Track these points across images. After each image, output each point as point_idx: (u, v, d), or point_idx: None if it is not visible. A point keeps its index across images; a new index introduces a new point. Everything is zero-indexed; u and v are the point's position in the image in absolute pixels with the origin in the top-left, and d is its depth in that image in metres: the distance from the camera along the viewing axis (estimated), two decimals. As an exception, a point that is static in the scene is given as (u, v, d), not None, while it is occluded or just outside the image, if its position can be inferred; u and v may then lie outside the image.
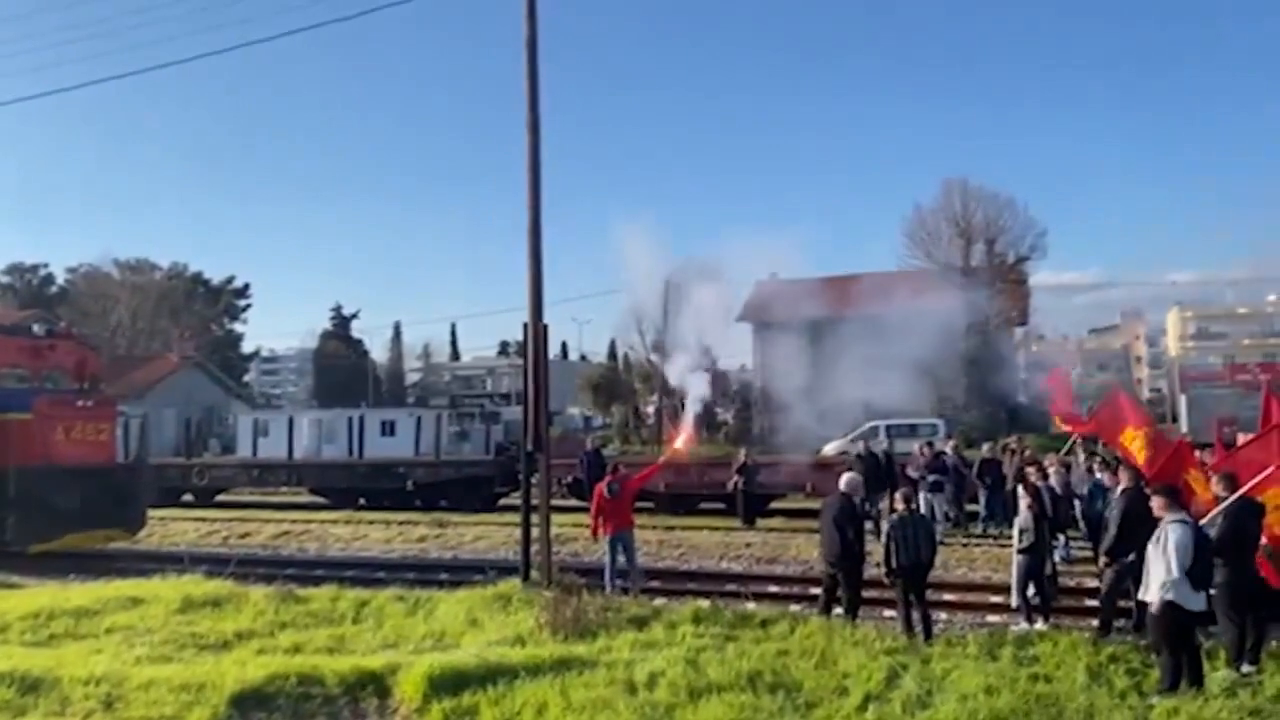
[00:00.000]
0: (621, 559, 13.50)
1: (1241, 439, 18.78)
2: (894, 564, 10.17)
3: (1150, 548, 8.03)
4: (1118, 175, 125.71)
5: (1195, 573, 7.67)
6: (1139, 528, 8.61)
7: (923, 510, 14.97)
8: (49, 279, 71.07)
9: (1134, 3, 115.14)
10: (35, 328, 20.28)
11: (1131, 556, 9.56)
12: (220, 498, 31.26)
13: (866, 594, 11.22)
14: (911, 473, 19.11)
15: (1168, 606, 7.77)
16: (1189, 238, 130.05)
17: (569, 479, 23.92)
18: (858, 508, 11.55)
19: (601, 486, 13.69)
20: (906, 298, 40.23)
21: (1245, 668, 8.42)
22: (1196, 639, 8.09)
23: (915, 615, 10.30)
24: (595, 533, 13.76)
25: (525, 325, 13.55)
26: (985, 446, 20.21)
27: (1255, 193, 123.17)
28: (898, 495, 10.99)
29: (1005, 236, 43.04)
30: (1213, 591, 8.22)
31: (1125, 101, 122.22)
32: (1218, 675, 8.12)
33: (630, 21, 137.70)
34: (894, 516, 10.67)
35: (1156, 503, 8.21)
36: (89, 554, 17.71)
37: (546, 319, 13.65)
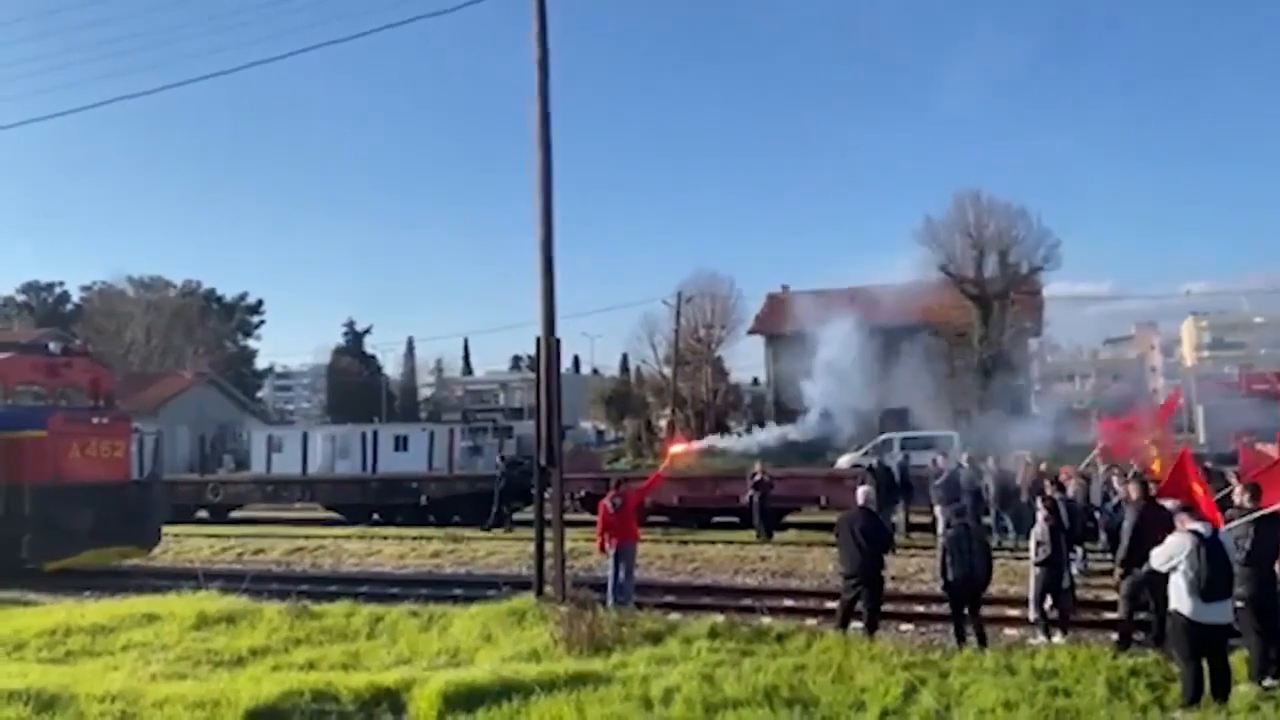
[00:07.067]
0: (621, 573, 13.50)
1: (1262, 448, 18.67)
2: (949, 577, 10.34)
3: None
4: (1132, 184, 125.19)
5: (1207, 584, 7.58)
6: (1151, 539, 8.57)
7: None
8: (64, 297, 71.80)
9: (1147, 12, 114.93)
10: (51, 346, 20.37)
11: (1145, 568, 9.51)
12: (234, 514, 31.35)
13: (883, 608, 11.17)
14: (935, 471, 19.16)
15: (1174, 615, 7.85)
16: (1204, 247, 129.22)
17: (582, 493, 23.91)
18: (881, 522, 11.57)
19: (606, 501, 13.73)
20: (918, 310, 40.29)
21: (1269, 681, 8.31)
22: (1223, 652, 7.98)
23: (968, 628, 10.46)
24: (602, 548, 13.77)
25: (537, 340, 13.54)
26: (992, 459, 20.12)
27: (1271, 199, 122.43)
28: (949, 510, 11.10)
29: (1018, 247, 42.72)
30: (1238, 604, 8.14)
31: (1136, 109, 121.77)
32: (1240, 689, 8.02)
33: (638, 35, 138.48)
34: (949, 530, 10.85)
35: (1177, 516, 8.22)
36: (104, 571, 17.77)
37: (558, 333, 13.66)
